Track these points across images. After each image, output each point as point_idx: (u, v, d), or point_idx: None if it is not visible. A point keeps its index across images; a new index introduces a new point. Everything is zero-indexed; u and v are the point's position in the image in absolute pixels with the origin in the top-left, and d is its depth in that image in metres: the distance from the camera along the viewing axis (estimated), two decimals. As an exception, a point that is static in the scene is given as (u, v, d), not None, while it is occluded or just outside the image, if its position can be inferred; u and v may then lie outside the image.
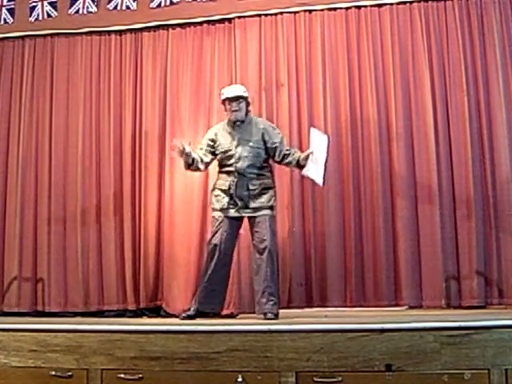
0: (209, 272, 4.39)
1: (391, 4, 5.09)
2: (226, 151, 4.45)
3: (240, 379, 3.22)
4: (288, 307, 4.85)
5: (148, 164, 5.26)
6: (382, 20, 5.10)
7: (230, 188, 4.40)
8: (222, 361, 3.27)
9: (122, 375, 3.37)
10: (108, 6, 5.49)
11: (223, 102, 4.52)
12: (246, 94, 4.50)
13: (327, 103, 5.04)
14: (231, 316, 4.90)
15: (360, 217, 4.91)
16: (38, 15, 5.57)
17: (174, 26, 5.42)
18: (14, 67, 5.58)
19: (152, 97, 5.35)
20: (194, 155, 4.43)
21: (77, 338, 3.46)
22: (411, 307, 4.77)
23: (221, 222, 4.40)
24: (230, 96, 4.45)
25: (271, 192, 4.44)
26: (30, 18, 5.58)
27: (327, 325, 3.34)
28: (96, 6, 5.50)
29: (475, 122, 4.84)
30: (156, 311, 5.13)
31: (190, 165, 4.45)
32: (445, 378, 3.07)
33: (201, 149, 4.53)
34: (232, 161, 4.42)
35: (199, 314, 4.37)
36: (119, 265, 5.17)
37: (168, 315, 5.00)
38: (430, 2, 5.05)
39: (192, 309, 4.41)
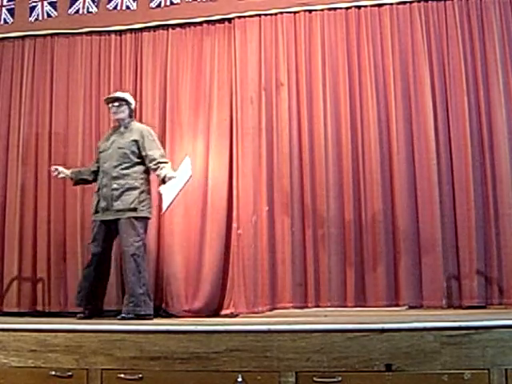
0: (85, 275, 4.68)
1: (391, 4, 5.10)
2: (102, 152, 4.76)
3: (240, 379, 3.22)
4: (288, 307, 4.86)
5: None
6: (382, 20, 5.10)
7: (99, 189, 4.66)
8: (222, 361, 3.27)
9: (122, 375, 3.36)
10: (108, 6, 5.49)
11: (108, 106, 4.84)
12: (125, 97, 4.79)
13: (327, 103, 5.04)
14: (231, 316, 4.90)
15: (360, 216, 4.90)
16: (37, 15, 5.57)
17: (173, 26, 5.42)
18: (14, 67, 5.58)
19: (152, 97, 5.35)
20: (74, 171, 4.84)
21: (77, 338, 3.46)
22: (411, 307, 4.77)
23: (94, 226, 4.66)
24: (107, 97, 4.82)
25: (134, 194, 4.55)
26: (30, 18, 5.58)
27: (327, 325, 3.33)
28: (96, 6, 5.50)
29: (475, 122, 4.84)
30: (156, 311, 5.12)
31: (76, 182, 4.87)
32: (445, 378, 3.07)
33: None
34: (103, 161, 4.70)
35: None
36: (119, 265, 5.16)
37: (168, 315, 5.01)
38: (429, 2, 5.05)
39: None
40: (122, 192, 4.55)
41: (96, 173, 4.78)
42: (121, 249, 4.60)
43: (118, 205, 4.53)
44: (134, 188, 4.58)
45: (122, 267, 4.61)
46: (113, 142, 4.71)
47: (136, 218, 4.54)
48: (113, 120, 4.92)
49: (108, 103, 4.82)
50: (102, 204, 4.59)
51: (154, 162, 4.57)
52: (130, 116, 4.81)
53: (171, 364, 3.33)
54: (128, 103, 4.78)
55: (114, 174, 4.58)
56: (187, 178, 4.64)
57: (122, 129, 4.75)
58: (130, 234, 4.51)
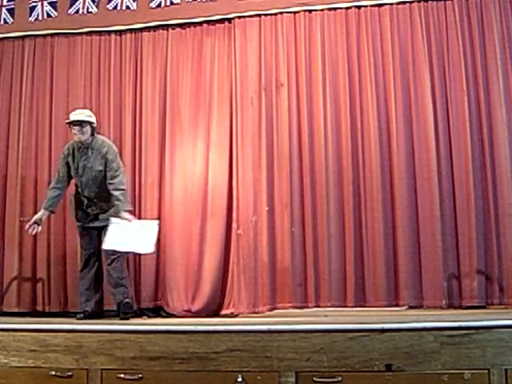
0: (80, 278, 4.82)
1: (391, 4, 5.09)
2: (75, 174, 4.75)
3: (240, 379, 3.22)
4: (288, 307, 4.86)
5: (148, 164, 5.26)
6: (382, 20, 5.10)
7: (81, 203, 4.76)
8: (221, 361, 3.27)
9: (122, 375, 3.37)
10: (108, 6, 5.48)
11: (69, 126, 4.77)
12: (88, 119, 4.71)
13: (327, 103, 5.04)
14: (231, 316, 4.90)
15: (360, 217, 4.90)
16: (37, 15, 5.57)
17: (173, 26, 5.42)
18: (14, 67, 5.58)
19: (152, 97, 5.35)
20: (44, 213, 4.76)
21: (77, 337, 3.47)
22: (411, 307, 4.76)
23: (79, 231, 4.81)
24: (70, 120, 4.71)
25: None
26: (30, 18, 5.58)
27: (327, 325, 3.34)
28: (96, 6, 5.50)
29: (475, 122, 4.84)
30: (156, 311, 5.13)
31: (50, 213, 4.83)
32: (445, 378, 3.07)
33: (58, 174, 4.83)
34: (81, 185, 4.74)
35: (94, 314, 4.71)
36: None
37: (168, 315, 5.01)
38: (429, 2, 5.05)
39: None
40: (105, 209, 4.67)
41: (66, 186, 4.82)
42: (107, 250, 4.61)
43: (103, 216, 4.66)
44: (114, 205, 4.66)
45: (107, 267, 4.65)
46: (84, 167, 4.71)
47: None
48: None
49: (69, 124, 4.78)
50: (89, 218, 4.73)
51: (112, 188, 4.62)
52: (92, 134, 4.77)
53: (171, 364, 3.33)
54: (90, 123, 4.73)
55: (95, 200, 4.70)
56: (146, 250, 4.66)
57: (88, 152, 4.71)
58: None
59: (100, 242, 4.67)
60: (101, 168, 4.68)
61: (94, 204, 4.71)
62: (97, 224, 4.71)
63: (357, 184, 4.94)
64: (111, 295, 4.73)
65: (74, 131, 4.70)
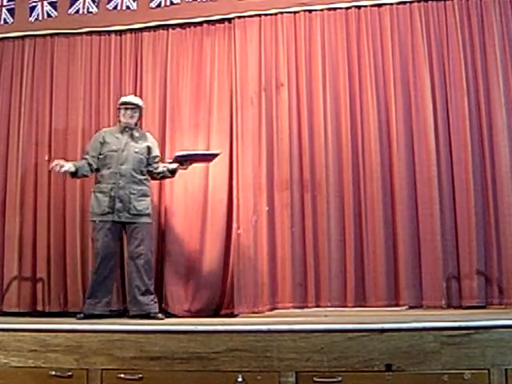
0: (94, 279, 4.63)
1: (391, 4, 5.09)
2: (112, 151, 4.67)
3: (240, 379, 3.22)
4: (288, 307, 4.86)
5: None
6: (382, 20, 5.10)
7: (112, 189, 4.58)
8: (221, 361, 3.28)
9: (122, 375, 3.37)
10: (108, 6, 5.48)
11: (119, 108, 4.82)
12: (142, 105, 4.88)
13: (327, 103, 5.04)
14: (231, 316, 4.90)
15: (360, 216, 4.90)
16: (37, 15, 5.57)
17: (173, 26, 5.42)
18: (14, 67, 5.57)
19: (152, 97, 5.34)
20: (77, 165, 4.64)
21: (77, 338, 3.47)
22: (411, 307, 4.77)
23: (101, 228, 4.59)
24: (127, 101, 4.81)
25: (148, 200, 4.69)
26: (30, 18, 5.58)
27: (327, 325, 3.34)
28: (96, 6, 5.50)
29: (475, 122, 4.84)
30: (156, 311, 5.13)
31: (74, 175, 4.67)
32: (445, 378, 3.08)
33: (87, 153, 4.75)
34: (117, 162, 4.64)
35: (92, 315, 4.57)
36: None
37: (168, 315, 5.01)
38: (429, 2, 5.05)
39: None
40: (139, 196, 4.63)
41: (97, 170, 4.74)
42: (136, 251, 4.58)
43: (135, 208, 4.58)
44: (147, 195, 4.70)
45: (137, 268, 4.57)
46: (126, 144, 4.70)
47: (149, 224, 4.71)
48: (123, 122, 4.80)
49: (122, 105, 4.79)
50: (118, 205, 4.56)
51: (158, 166, 4.79)
52: (136, 123, 4.86)
53: (171, 364, 3.33)
54: (141, 110, 4.87)
55: (133, 179, 4.63)
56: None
57: (134, 132, 4.77)
58: (148, 239, 4.66)
59: (122, 243, 4.70)
60: (144, 150, 4.73)
61: (128, 183, 4.57)
62: (122, 218, 4.55)
63: (357, 184, 4.94)
64: (134, 304, 4.57)
65: (126, 113, 4.75)
